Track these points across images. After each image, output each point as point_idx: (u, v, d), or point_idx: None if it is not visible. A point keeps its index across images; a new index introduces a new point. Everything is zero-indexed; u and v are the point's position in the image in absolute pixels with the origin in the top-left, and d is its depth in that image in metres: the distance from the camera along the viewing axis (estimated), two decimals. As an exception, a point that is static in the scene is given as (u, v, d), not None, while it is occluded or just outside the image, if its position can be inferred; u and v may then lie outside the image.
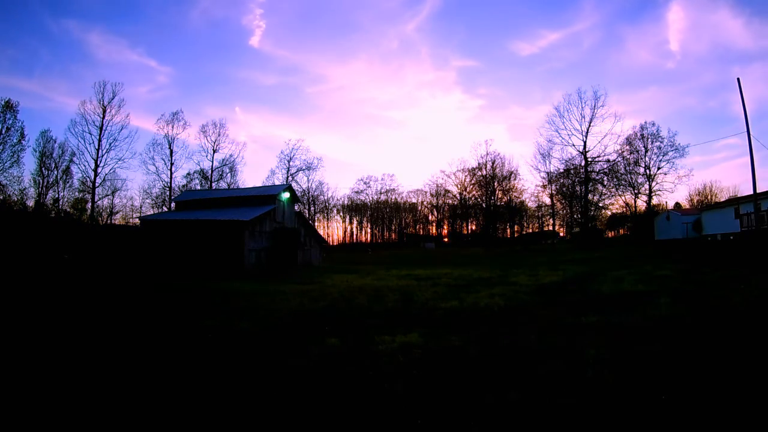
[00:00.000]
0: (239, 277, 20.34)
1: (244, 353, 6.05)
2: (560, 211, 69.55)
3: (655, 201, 50.34)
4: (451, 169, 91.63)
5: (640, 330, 6.41)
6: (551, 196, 59.12)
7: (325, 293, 13.49)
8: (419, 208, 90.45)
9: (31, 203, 43.04)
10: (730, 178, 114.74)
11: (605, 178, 50.15)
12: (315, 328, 7.77)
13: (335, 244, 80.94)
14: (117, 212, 53.01)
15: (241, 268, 24.33)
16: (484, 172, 64.17)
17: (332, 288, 15.16)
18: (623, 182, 50.51)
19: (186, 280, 18.01)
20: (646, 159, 49.29)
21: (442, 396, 4.17)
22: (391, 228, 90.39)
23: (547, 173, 54.23)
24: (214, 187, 53.47)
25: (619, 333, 6.29)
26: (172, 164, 52.62)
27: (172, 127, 52.82)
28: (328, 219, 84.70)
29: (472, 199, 70.12)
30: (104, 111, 45.87)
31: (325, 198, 77.35)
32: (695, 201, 66.96)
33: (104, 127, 45.92)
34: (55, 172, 45.93)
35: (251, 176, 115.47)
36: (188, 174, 55.46)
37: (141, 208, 55.18)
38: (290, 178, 62.31)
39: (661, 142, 48.33)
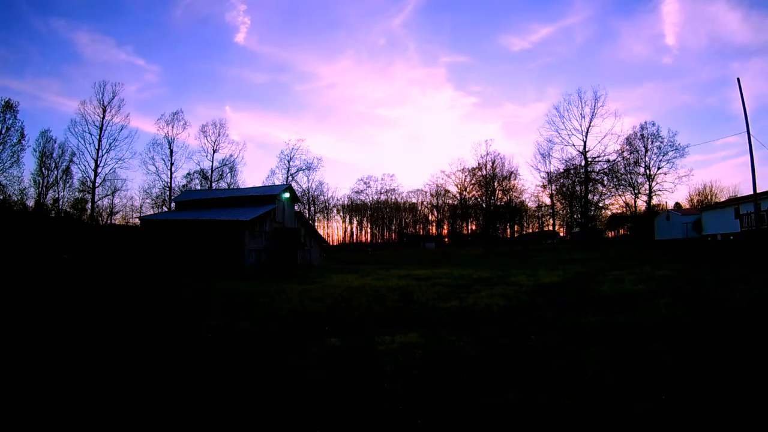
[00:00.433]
0: (239, 277, 20.33)
1: (244, 353, 6.05)
2: (560, 211, 69.62)
3: (655, 201, 50.39)
4: (451, 169, 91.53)
5: (640, 330, 6.41)
6: (551, 196, 59.25)
7: (325, 293, 13.49)
8: (419, 208, 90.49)
9: (31, 203, 43.14)
10: (729, 177, 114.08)
11: (605, 178, 50.14)
12: (315, 328, 7.77)
13: (335, 244, 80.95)
14: (117, 212, 53.14)
15: (241, 268, 24.32)
16: (484, 172, 64.25)
17: (332, 288, 15.16)
18: (623, 182, 50.51)
19: (186, 280, 18.00)
20: (646, 159, 49.31)
21: (442, 396, 4.17)
22: (391, 228, 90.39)
23: (547, 173, 54.32)
24: (214, 187, 53.47)
25: (619, 333, 6.29)
26: (172, 164, 52.68)
27: (172, 127, 52.87)
28: (328, 219, 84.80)
29: (472, 199, 70.16)
30: (104, 111, 45.93)
31: (325, 198, 77.45)
32: (695, 201, 67.01)
33: (104, 127, 45.98)
34: (55, 172, 45.99)
35: (249, 176, 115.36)
36: (188, 174, 55.52)
37: (141, 208, 55.27)
38: (290, 178, 62.36)
39: (661, 142, 48.38)
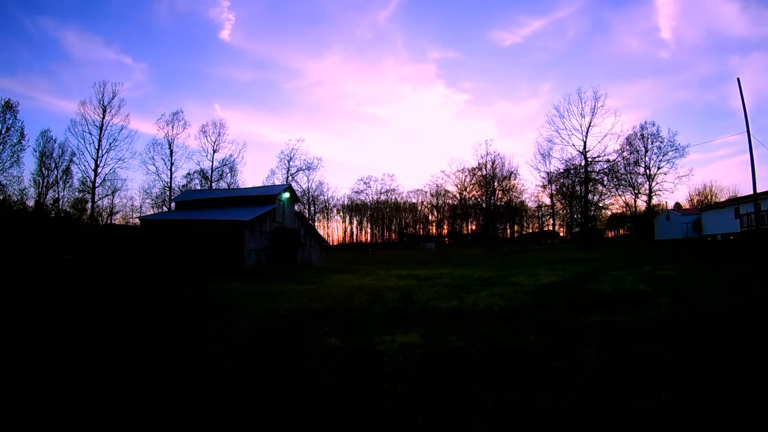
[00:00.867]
0: (239, 277, 20.33)
1: (244, 353, 6.05)
2: (560, 211, 69.60)
3: (655, 201, 50.42)
4: (450, 169, 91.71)
5: (640, 330, 6.41)
6: (551, 196, 59.10)
7: (325, 293, 13.49)
8: (419, 208, 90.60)
9: (31, 203, 43.08)
10: (729, 176, 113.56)
11: (605, 178, 50.13)
12: (315, 328, 7.77)
13: (335, 244, 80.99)
14: (117, 212, 53.08)
15: (241, 268, 24.32)
16: (484, 172, 64.11)
17: (332, 288, 15.16)
18: (623, 182, 50.53)
19: (186, 280, 18.00)
20: (646, 159, 49.34)
21: (443, 396, 4.17)
22: (391, 228, 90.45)
23: (547, 173, 54.26)
24: (214, 187, 53.46)
25: (619, 333, 6.29)
26: (172, 164, 52.62)
27: (172, 127, 52.85)
28: (328, 219, 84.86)
29: (472, 199, 70.06)
30: (104, 111, 45.92)
31: (325, 198, 77.48)
32: (695, 201, 67.06)
33: (104, 127, 45.98)
34: (55, 172, 45.92)
35: (247, 176, 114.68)
36: (188, 174, 55.48)
37: (141, 208, 55.26)
38: (290, 178, 62.36)
39: (661, 142, 48.41)
